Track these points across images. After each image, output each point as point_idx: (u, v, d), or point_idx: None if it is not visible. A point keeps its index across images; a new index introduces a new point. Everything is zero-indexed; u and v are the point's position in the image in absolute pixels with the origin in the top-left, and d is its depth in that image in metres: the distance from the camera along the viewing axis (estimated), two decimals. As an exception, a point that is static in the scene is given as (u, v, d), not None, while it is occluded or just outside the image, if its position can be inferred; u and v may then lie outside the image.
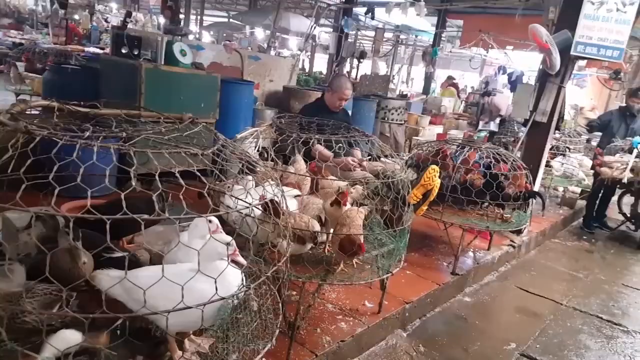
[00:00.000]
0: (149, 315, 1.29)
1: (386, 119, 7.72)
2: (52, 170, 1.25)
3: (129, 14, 5.81)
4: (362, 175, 3.71)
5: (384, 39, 10.55)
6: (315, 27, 6.74)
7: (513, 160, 3.83)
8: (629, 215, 6.15)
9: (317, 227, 2.25)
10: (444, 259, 4.05)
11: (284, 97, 6.43)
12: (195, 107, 4.75)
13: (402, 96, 11.18)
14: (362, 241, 2.27)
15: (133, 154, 1.36)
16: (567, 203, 6.47)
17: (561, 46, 4.19)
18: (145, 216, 1.21)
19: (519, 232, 4.79)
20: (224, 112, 5.00)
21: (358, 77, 10.30)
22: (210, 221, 1.76)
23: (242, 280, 1.46)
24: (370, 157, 4.11)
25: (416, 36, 17.91)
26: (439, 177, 3.76)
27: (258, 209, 1.92)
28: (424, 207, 3.56)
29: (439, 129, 9.43)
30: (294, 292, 2.84)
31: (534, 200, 3.89)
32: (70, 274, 1.49)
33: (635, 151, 5.61)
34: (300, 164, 3.01)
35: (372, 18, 9.64)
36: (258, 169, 1.85)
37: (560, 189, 6.70)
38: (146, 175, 1.52)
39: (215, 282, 1.28)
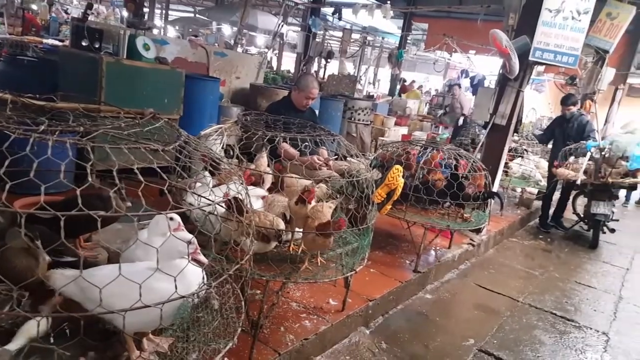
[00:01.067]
0: (105, 315, 1.26)
1: (353, 119, 7.79)
2: (4, 165, 1.20)
3: (90, 6, 5.62)
4: (328, 174, 3.73)
5: (351, 40, 10.60)
6: (282, 26, 6.69)
7: (473, 161, 3.94)
8: (582, 216, 6.44)
9: (282, 226, 2.25)
10: (407, 257, 4.13)
11: (250, 95, 6.38)
12: (158, 102, 4.65)
13: (369, 97, 11.32)
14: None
15: (91, 149, 1.32)
16: (524, 203, 6.71)
17: (520, 51, 4.34)
18: (102, 213, 1.18)
19: (478, 231, 4.93)
20: (188, 108, 4.93)
21: (325, 77, 10.33)
22: (171, 219, 1.74)
23: (203, 278, 1.45)
24: (336, 156, 4.15)
25: (383, 38, 18.18)
26: (403, 177, 3.85)
27: (221, 206, 1.90)
28: (388, 206, 3.63)
29: (404, 130, 9.58)
30: (258, 291, 2.84)
31: (493, 201, 4.01)
32: (24, 273, 1.44)
33: (588, 154, 5.88)
34: (263, 160, 2.99)
35: (339, 19, 9.70)
36: (221, 167, 1.83)
37: (518, 189, 6.95)
38: (106, 172, 1.48)
39: (175, 280, 1.26)
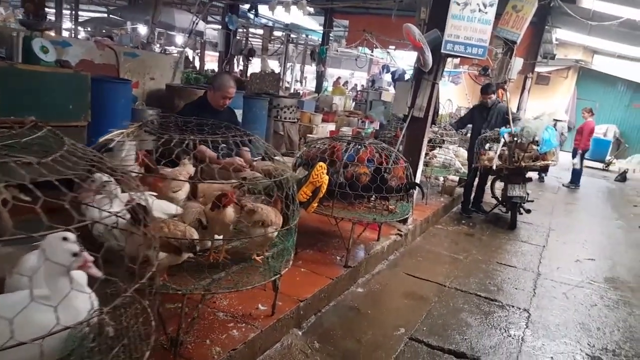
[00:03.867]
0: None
1: (279, 117, 7.70)
2: None
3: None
4: (251, 175, 3.62)
5: (272, 37, 10.48)
6: (196, 23, 6.44)
7: (394, 154, 4.00)
8: (500, 199, 6.81)
9: (195, 235, 2.12)
10: (337, 252, 4.12)
11: (167, 96, 6.09)
12: (62, 109, 4.32)
13: (295, 94, 11.29)
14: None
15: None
16: (447, 191, 6.98)
17: (432, 44, 4.47)
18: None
19: (405, 221, 5.04)
20: (97, 113, 4.60)
21: (249, 75, 10.15)
22: (64, 238, 1.56)
23: (93, 304, 1.30)
24: (261, 156, 4.05)
25: (307, 35, 18.22)
26: (328, 173, 3.82)
27: (123, 218, 1.74)
28: (314, 204, 3.59)
29: (331, 126, 9.65)
30: (179, 305, 2.68)
31: (415, 191, 4.10)
32: None
33: (502, 140, 6.21)
34: (188, 167, 2.82)
35: (256, 15, 9.54)
36: (119, 176, 1.67)
37: (441, 178, 7.21)
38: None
39: (56, 309, 1.11)
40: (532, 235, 6.31)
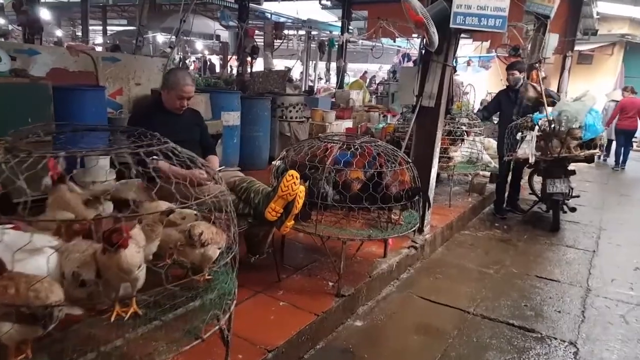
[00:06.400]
0: None
1: (284, 117, 7.05)
2: None
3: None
4: (216, 190, 2.97)
5: (275, 33, 9.78)
6: (184, 22, 5.86)
7: (393, 154, 3.24)
8: (540, 195, 5.86)
9: (54, 297, 1.46)
10: (330, 277, 3.39)
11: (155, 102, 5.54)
12: (19, 123, 3.75)
13: (308, 92, 10.60)
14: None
15: None
16: (475, 189, 6.10)
17: (437, 19, 3.67)
18: None
19: (420, 230, 4.26)
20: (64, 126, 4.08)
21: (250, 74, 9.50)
22: None
23: None
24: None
25: (331, 32, 17.43)
26: (309, 183, 3.13)
27: None
28: (289, 223, 2.90)
29: (348, 124, 8.89)
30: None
31: (420, 197, 3.31)
32: None
33: (536, 128, 5.30)
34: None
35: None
36: None
37: (470, 175, 6.32)
38: None
39: None
40: (579, 237, 5.35)
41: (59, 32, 19.50)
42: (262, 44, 9.58)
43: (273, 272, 3.30)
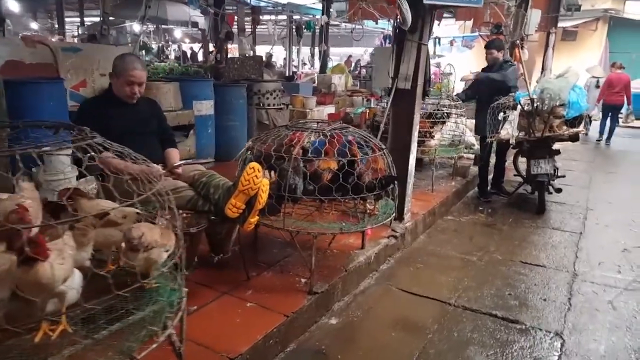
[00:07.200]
0: None
1: (261, 104, 6.80)
2: None
3: None
4: (172, 185, 2.75)
5: (247, 17, 9.46)
6: (149, 7, 5.56)
7: (365, 140, 3.04)
8: (525, 176, 5.70)
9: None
10: (303, 273, 3.19)
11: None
12: (-35, 121, 3.54)
13: (288, 78, 10.33)
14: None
15: None
16: (459, 172, 5.93)
17: (410, -7, 3.45)
18: None
19: (400, 217, 4.09)
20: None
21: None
22: None
23: None
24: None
25: (314, 15, 17.02)
26: (277, 175, 2.92)
27: None
28: (253, 219, 2.69)
29: (330, 109, 8.65)
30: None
31: (395, 186, 3.12)
32: None
33: (518, 107, 5.12)
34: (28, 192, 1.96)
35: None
36: None
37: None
38: None
39: None
40: (565, 219, 5.21)
41: (34, 25, 18.91)
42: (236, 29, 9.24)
43: (242, 271, 3.10)
